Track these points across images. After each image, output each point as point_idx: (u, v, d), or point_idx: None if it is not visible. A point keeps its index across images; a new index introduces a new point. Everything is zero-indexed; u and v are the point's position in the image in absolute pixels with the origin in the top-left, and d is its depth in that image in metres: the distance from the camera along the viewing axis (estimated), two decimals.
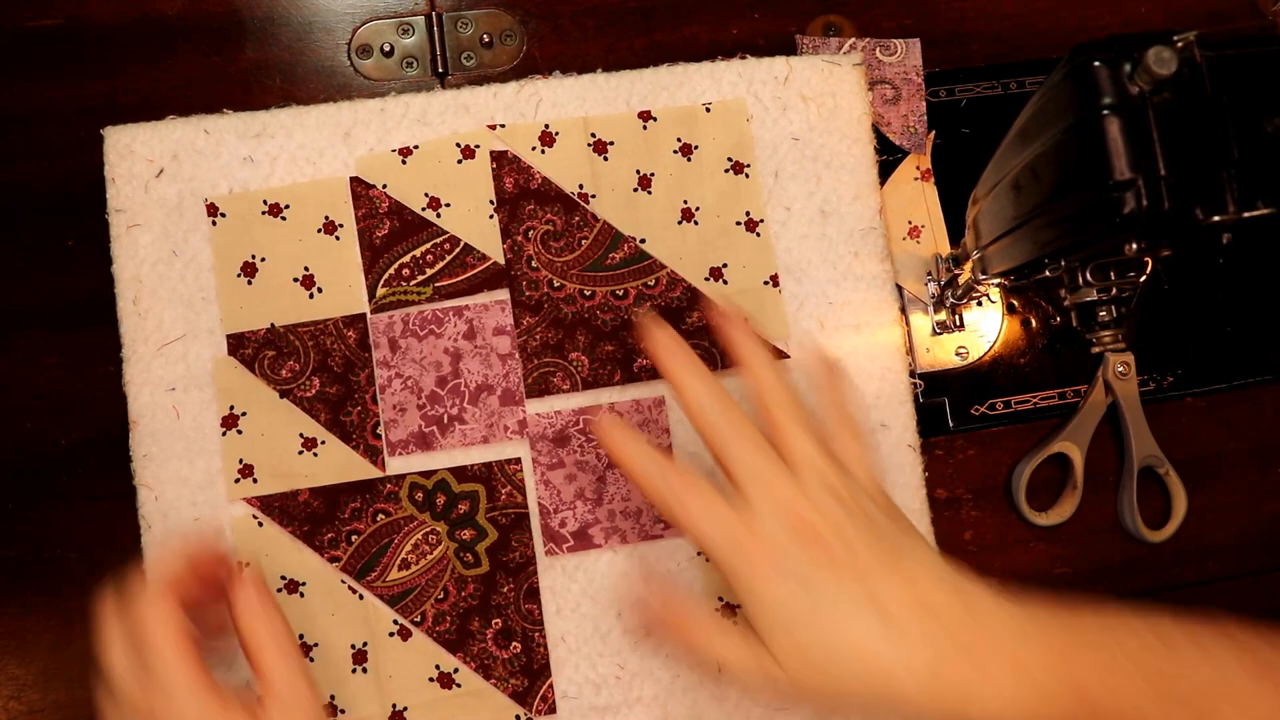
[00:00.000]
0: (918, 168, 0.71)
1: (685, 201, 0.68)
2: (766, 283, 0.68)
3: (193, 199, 0.65)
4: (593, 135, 0.68)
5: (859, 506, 0.51)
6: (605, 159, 0.68)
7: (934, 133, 0.72)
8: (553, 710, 0.64)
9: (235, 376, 0.64)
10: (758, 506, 0.51)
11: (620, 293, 0.67)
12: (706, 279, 0.68)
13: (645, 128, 0.68)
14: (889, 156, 0.71)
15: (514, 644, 0.64)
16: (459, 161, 0.67)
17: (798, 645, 0.49)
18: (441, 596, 0.64)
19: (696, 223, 0.68)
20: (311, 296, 0.65)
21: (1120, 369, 0.68)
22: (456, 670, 0.64)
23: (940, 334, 0.71)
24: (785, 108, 0.69)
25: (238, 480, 0.64)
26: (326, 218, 0.66)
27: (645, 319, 0.58)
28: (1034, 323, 0.72)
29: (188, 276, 0.65)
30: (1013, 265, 0.60)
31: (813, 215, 0.68)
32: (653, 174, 0.68)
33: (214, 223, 0.65)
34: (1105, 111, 0.49)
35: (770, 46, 0.72)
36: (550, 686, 0.64)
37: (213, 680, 0.52)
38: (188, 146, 0.66)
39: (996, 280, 0.64)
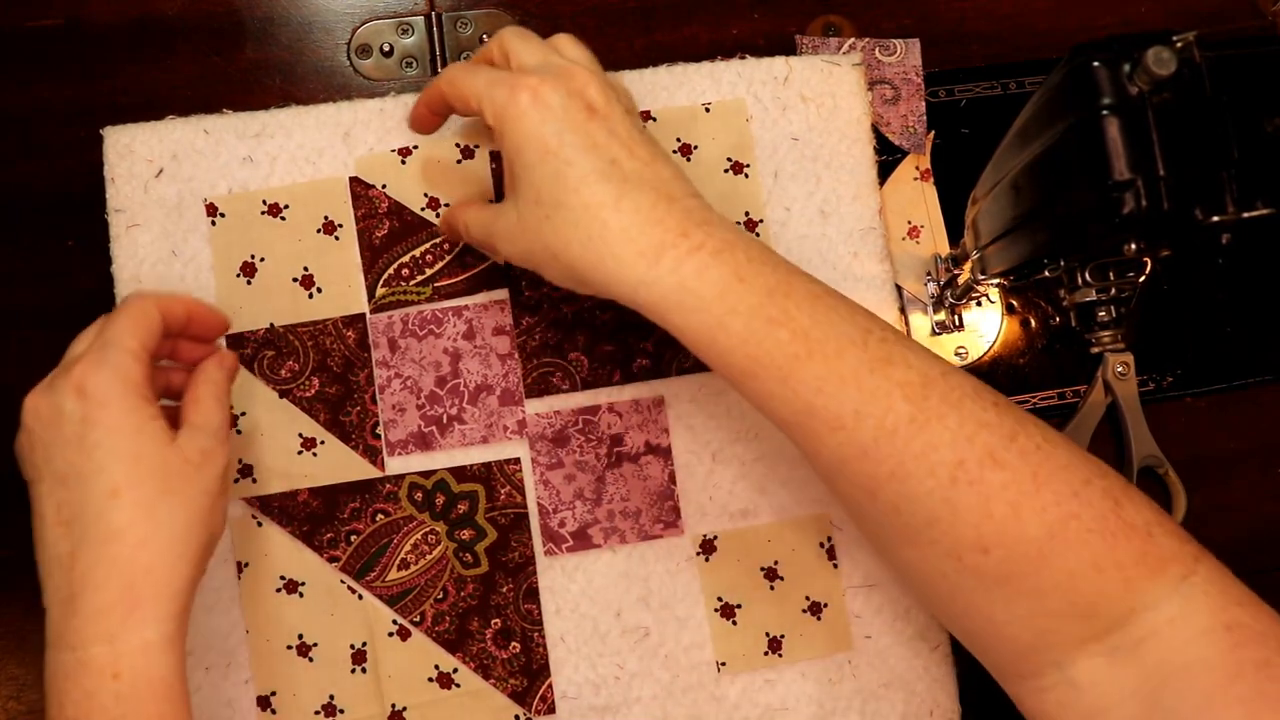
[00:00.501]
0: (917, 168, 0.71)
1: None
2: None
3: (192, 199, 0.65)
4: None
5: (625, 104, 0.56)
6: None
7: (933, 133, 0.71)
8: (552, 710, 0.64)
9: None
10: (540, 71, 0.54)
11: None
12: None
13: (644, 127, 0.68)
14: (888, 157, 0.71)
15: (513, 644, 0.64)
16: (458, 161, 0.66)
17: (542, 205, 0.53)
18: (441, 596, 0.64)
19: None
20: (311, 296, 0.65)
21: (1120, 369, 0.68)
22: (456, 670, 0.64)
23: (940, 334, 0.70)
24: (785, 108, 0.69)
25: (237, 480, 0.63)
26: (326, 218, 0.65)
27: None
28: (1033, 323, 0.71)
29: (187, 276, 0.64)
30: (1012, 265, 0.60)
31: (812, 215, 0.68)
32: None
33: (213, 223, 0.65)
34: (1105, 112, 0.48)
35: (770, 46, 0.71)
36: (549, 687, 0.64)
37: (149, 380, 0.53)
38: (187, 146, 0.65)
39: (996, 280, 0.64)
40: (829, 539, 0.66)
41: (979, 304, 0.71)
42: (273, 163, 0.66)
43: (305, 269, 0.65)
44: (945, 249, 0.70)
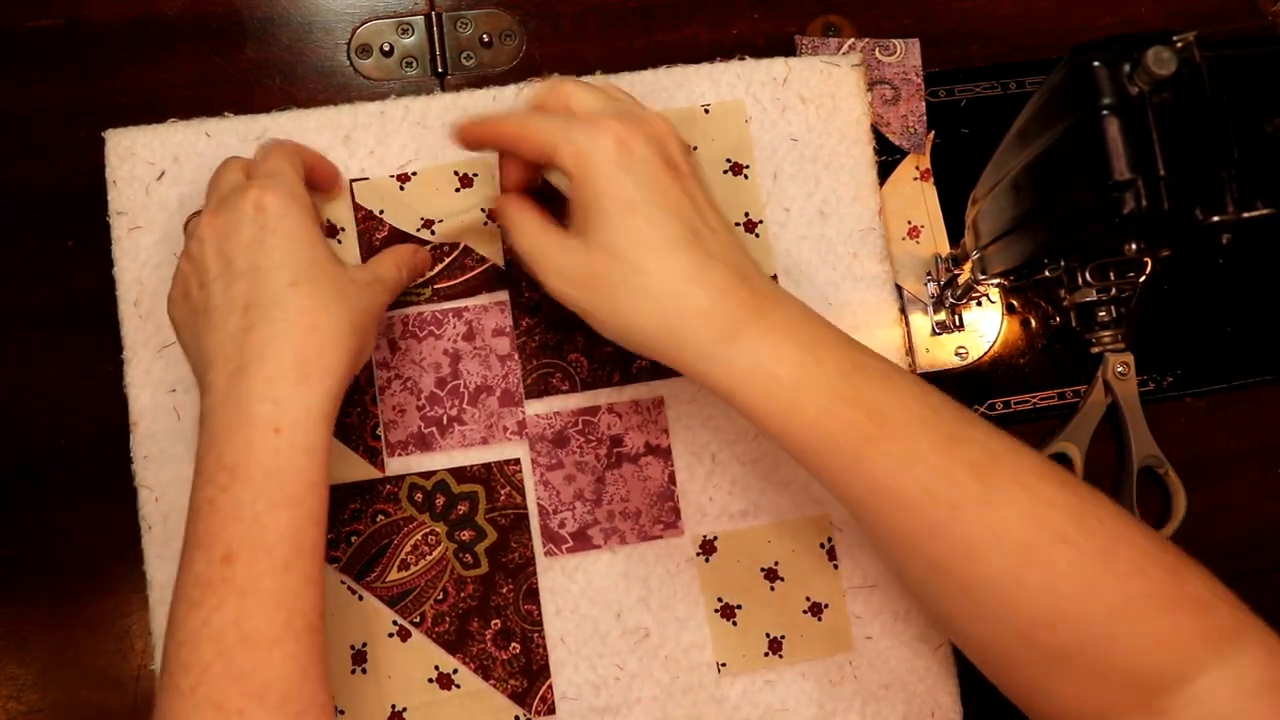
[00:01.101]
0: (917, 168, 0.71)
1: None
2: None
3: (194, 202, 0.64)
4: None
5: (696, 163, 0.56)
6: None
7: (933, 133, 0.71)
8: (552, 711, 0.63)
9: None
10: (620, 116, 0.53)
11: None
12: None
13: None
14: (888, 157, 0.70)
15: (513, 645, 0.64)
16: (456, 190, 0.66)
17: (618, 261, 0.52)
18: (441, 597, 0.64)
19: None
20: None
21: (1120, 369, 0.67)
22: (456, 671, 0.63)
23: (940, 334, 0.70)
24: (784, 109, 0.68)
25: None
26: (327, 220, 0.65)
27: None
28: (1033, 323, 0.71)
29: None
30: (1012, 265, 0.59)
31: (812, 216, 0.68)
32: None
33: None
34: (1105, 111, 0.48)
35: (770, 47, 0.71)
36: (549, 687, 0.63)
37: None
38: (189, 149, 0.65)
39: (996, 280, 0.63)
40: (829, 540, 0.66)
41: (979, 304, 0.70)
42: None
43: None
44: (945, 249, 0.70)
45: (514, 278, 0.65)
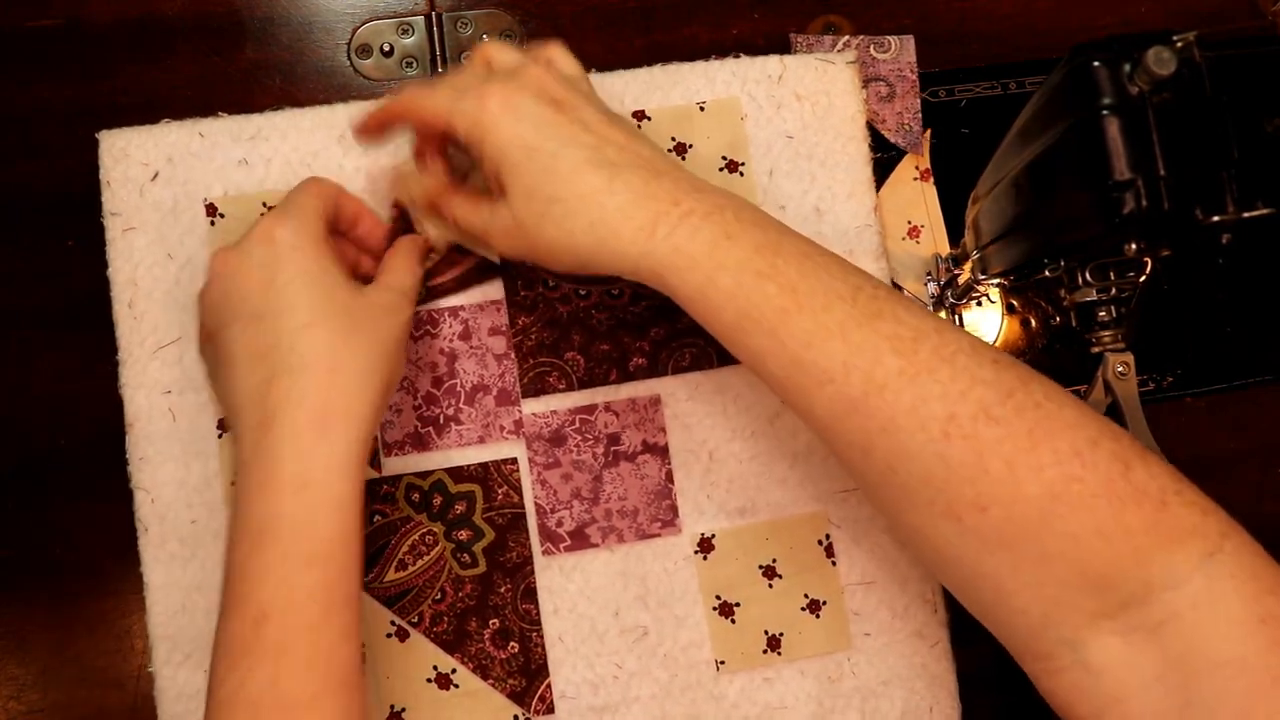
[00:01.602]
0: (917, 168, 0.69)
1: None
2: None
3: (188, 202, 0.63)
4: None
5: (584, 89, 0.57)
6: None
7: (930, 131, 0.70)
8: (550, 710, 0.62)
9: None
10: (501, 78, 0.54)
11: (616, 292, 0.65)
12: None
13: (640, 127, 0.66)
14: (885, 154, 0.69)
15: (511, 644, 0.63)
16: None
17: (536, 201, 0.53)
18: (439, 597, 0.63)
19: None
20: None
21: (1120, 369, 0.66)
22: (454, 671, 0.62)
23: None
24: (779, 106, 0.67)
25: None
26: None
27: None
28: (1034, 323, 0.70)
29: (183, 279, 0.63)
30: (1012, 265, 0.58)
31: (807, 213, 0.67)
32: None
33: (212, 223, 0.63)
34: (1105, 111, 0.48)
35: (770, 46, 0.70)
36: (548, 686, 0.62)
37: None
38: (182, 150, 0.64)
39: (996, 280, 0.62)
40: (827, 536, 0.65)
41: (979, 304, 0.69)
42: (268, 165, 0.64)
43: None
44: (945, 249, 0.69)
45: (509, 276, 0.64)
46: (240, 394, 0.53)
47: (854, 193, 0.67)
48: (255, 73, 0.68)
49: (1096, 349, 0.65)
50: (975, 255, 0.62)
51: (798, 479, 0.65)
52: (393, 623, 0.62)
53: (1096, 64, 0.48)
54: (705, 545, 0.64)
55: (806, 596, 0.64)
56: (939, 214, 0.69)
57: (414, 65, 0.69)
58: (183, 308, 0.63)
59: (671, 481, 0.64)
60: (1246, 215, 0.48)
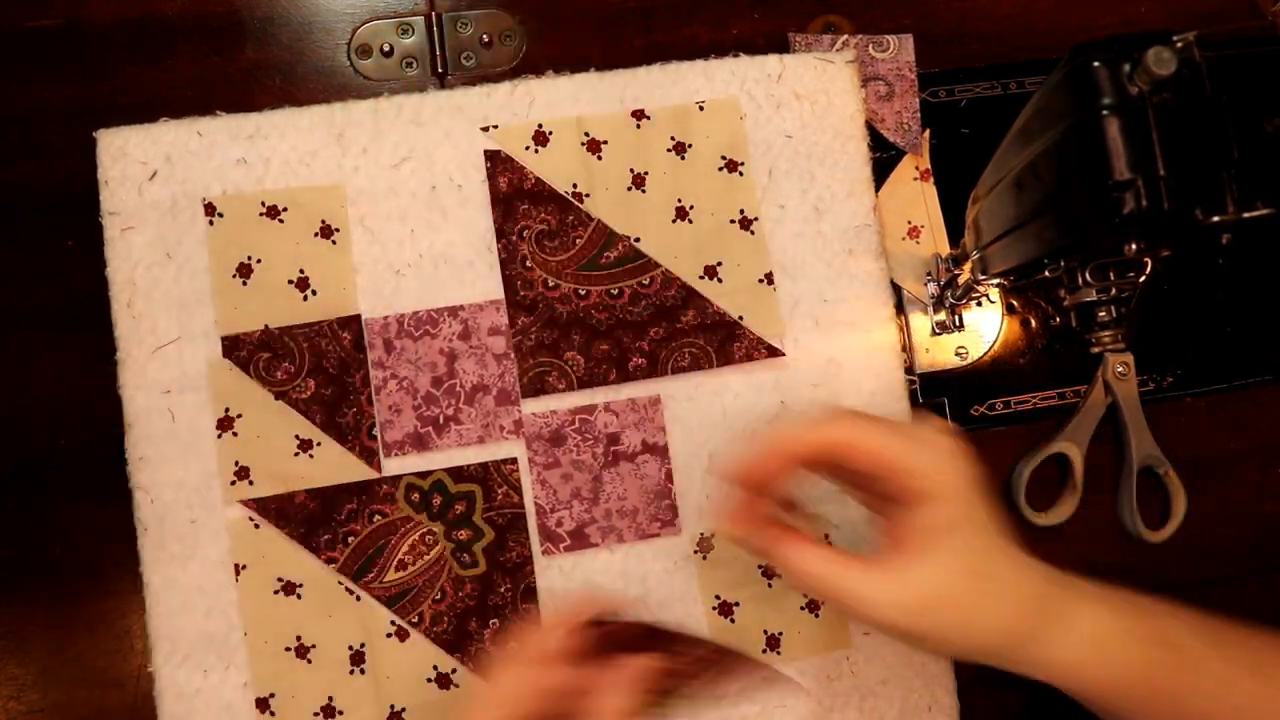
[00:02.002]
0: (917, 168, 0.68)
1: (679, 200, 0.65)
2: (761, 280, 0.65)
3: (186, 201, 0.63)
4: (586, 134, 0.65)
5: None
6: (599, 158, 0.65)
7: (929, 131, 0.69)
8: None
9: (230, 379, 0.62)
10: (944, 439, 0.51)
11: (615, 291, 0.64)
12: (701, 277, 0.65)
13: (639, 126, 0.65)
14: (884, 154, 0.68)
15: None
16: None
17: (967, 565, 0.49)
18: (439, 597, 0.62)
19: (691, 221, 0.65)
20: (306, 299, 0.63)
21: (1120, 369, 0.65)
22: (454, 671, 0.61)
23: (940, 334, 0.68)
24: (779, 105, 0.66)
25: (234, 483, 0.61)
26: (323, 222, 0.63)
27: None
28: (1034, 323, 0.69)
29: (182, 279, 0.62)
30: (1013, 265, 0.58)
31: (807, 213, 0.66)
32: (647, 173, 0.65)
33: (211, 223, 0.62)
34: (1105, 111, 0.47)
35: (770, 46, 0.69)
36: None
37: None
38: (180, 149, 0.63)
39: (996, 280, 0.62)
40: (826, 536, 0.63)
41: (979, 304, 0.68)
42: (266, 164, 0.63)
43: (301, 271, 0.63)
44: (945, 249, 0.68)
45: (509, 275, 0.64)
46: None
47: (853, 192, 0.66)
48: (255, 73, 0.67)
49: (1096, 349, 0.64)
50: (975, 255, 0.61)
51: (795, 480, 0.64)
52: (393, 622, 0.61)
53: (1096, 64, 0.47)
54: (705, 545, 0.63)
55: (806, 596, 0.64)
56: (939, 214, 0.68)
57: (414, 65, 0.68)
58: (182, 307, 0.62)
59: (671, 481, 0.63)
60: (1246, 215, 0.47)
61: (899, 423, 0.51)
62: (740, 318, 0.65)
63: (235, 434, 0.62)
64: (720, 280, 0.65)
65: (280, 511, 0.62)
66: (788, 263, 0.65)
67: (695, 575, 0.63)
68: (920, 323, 0.68)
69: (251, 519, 0.61)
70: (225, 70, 0.67)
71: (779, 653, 0.63)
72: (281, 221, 0.63)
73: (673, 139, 0.65)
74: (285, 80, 0.67)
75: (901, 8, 0.70)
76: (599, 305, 0.64)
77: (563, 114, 0.65)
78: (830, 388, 0.65)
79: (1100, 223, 0.49)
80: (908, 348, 0.67)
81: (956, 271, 0.65)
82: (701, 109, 0.66)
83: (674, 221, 0.65)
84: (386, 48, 0.68)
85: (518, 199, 0.64)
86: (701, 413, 0.64)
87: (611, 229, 0.65)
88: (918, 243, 0.68)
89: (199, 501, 0.61)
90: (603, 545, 0.63)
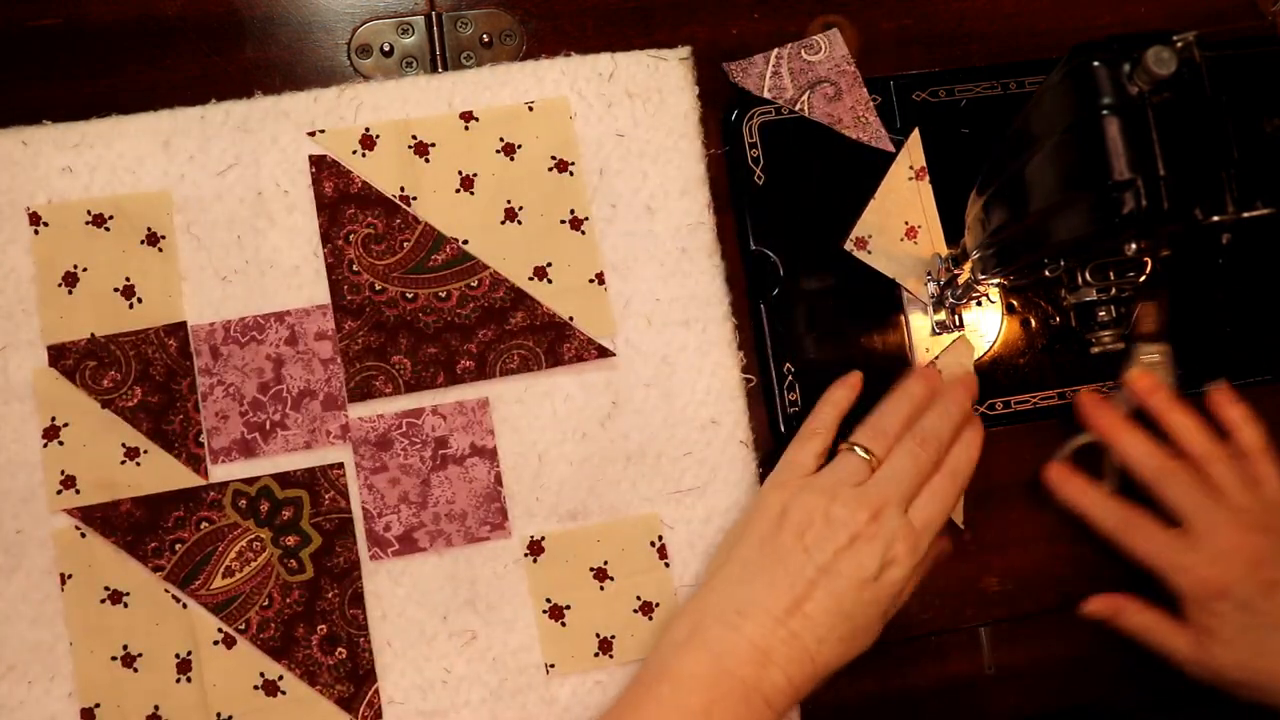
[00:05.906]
0: (910, 167, 0.35)
1: (509, 201, 0.33)
2: (592, 280, 0.33)
3: (11, 210, 0.31)
4: (414, 137, 0.33)
5: None
6: (427, 161, 0.33)
7: (917, 129, 0.36)
8: (379, 716, 0.31)
9: (56, 388, 0.31)
10: (1204, 538, 0.31)
11: (443, 294, 0.33)
12: (531, 279, 0.33)
13: (467, 128, 0.33)
14: (881, 157, 0.36)
15: (339, 650, 0.32)
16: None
17: (1235, 655, 0.31)
18: (266, 603, 0.32)
19: (520, 222, 0.33)
20: (131, 306, 0.32)
21: (1151, 357, 0.35)
22: (281, 677, 0.31)
23: (940, 334, 0.35)
24: (610, 104, 0.33)
25: (60, 492, 0.31)
26: (149, 229, 0.32)
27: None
28: (1034, 323, 0.36)
29: (7, 288, 0.31)
30: (1013, 265, 0.29)
31: (639, 211, 0.33)
32: (475, 174, 0.33)
33: (36, 232, 0.32)
34: (1105, 112, 0.25)
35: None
36: (376, 692, 0.32)
37: None
38: (4, 158, 0.31)
39: (996, 280, 0.31)
40: (660, 538, 0.33)
41: (979, 304, 0.35)
42: (92, 172, 0.32)
43: (127, 279, 0.32)
44: (943, 249, 0.35)
45: (335, 280, 0.33)
46: (767, 600, 0.29)
47: (687, 190, 0.34)
48: (255, 72, 0.35)
49: (1096, 349, 0.32)
50: (975, 255, 0.31)
51: (630, 480, 0.33)
52: (219, 630, 0.31)
53: (1096, 64, 0.25)
54: (535, 548, 0.33)
55: (639, 599, 0.33)
56: (935, 213, 0.35)
57: (414, 65, 0.35)
58: (7, 315, 0.31)
59: (500, 484, 0.32)
60: (1246, 215, 0.25)
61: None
62: (571, 318, 0.34)
63: (61, 443, 0.32)
64: (550, 281, 0.33)
65: (106, 520, 0.31)
66: (619, 262, 0.33)
67: (525, 578, 0.32)
68: (920, 323, 0.35)
69: (78, 528, 0.31)
70: (225, 70, 0.34)
71: (611, 655, 0.32)
72: (107, 230, 0.32)
73: (502, 140, 0.33)
74: (285, 80, 0.34)
75: (901, 7, 0.36)
76: (426, 308, 0.33)
77: (390, 117, 0.33)
78: (663, 387, 0.33)
79: (1100, 223, 0.26)
80: (908, 347, 0.36)
81: (956, 271, 0.32)
82: (531, 109, 0.33)
83: (503, 223, 0.33)
84: (386, 47, 0.35)
85: (344, 203, 0.33)
86: (531, 414, 0.33)
87: (439, 231, 0.33)
88: (916, 243, 0.34)
89: (25, 512, 0.31)
90: (431, 549, 0.32)
